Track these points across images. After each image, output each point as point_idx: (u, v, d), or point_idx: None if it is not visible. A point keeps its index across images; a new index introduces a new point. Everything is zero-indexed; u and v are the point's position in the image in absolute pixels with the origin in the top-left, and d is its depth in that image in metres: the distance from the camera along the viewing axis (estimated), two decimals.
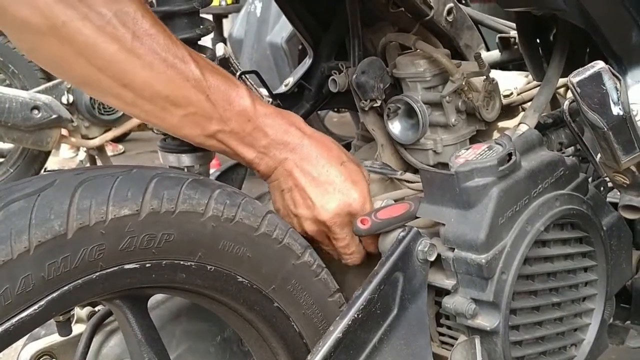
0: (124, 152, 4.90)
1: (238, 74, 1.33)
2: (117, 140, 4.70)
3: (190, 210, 0.89)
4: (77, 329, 1.09)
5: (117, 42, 0.86)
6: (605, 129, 0.95)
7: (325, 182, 1.04)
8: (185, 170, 1.12)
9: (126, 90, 0.90)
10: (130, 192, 0.84)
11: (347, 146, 1.44)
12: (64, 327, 1.06)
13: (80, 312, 1.11)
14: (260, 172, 1.05)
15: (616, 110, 0.94)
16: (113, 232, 0.82)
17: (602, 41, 1.07)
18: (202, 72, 0.93)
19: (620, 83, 0.94)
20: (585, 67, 0.94)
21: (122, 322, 0.95)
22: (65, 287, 0.80)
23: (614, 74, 0.93)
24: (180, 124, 0.96)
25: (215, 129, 0.97)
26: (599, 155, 1.03)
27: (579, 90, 0.94)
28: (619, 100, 0.93)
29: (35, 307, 0.78)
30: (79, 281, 0.81)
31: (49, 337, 1.08)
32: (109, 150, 4.80)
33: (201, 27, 1.10)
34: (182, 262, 0.89)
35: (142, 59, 0.88)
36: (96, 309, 1.11)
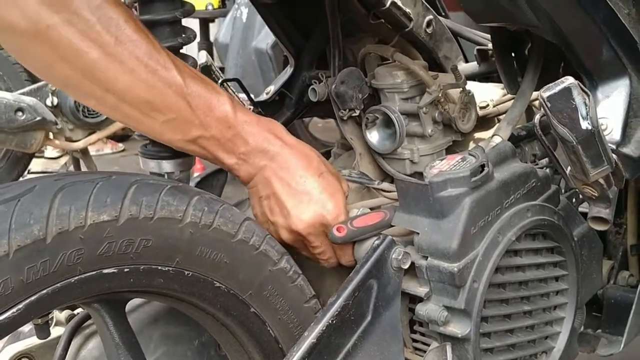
0: (123, 150, 4.87)
1: (220, 81, 1.35)
2: (119, 139, 4.68)
3: (168, 217, 0.90)
4: (56, 331, 1.10)
5: (100, 47, 0.88)
6: (574, 143, 0.97)
7: (302, 192, 1.06)
8: (166, 176, 1.14)
9: (108, 95, 0.92)
10: (109, 198, 0.86)
11: (327, 154, 1.46)
12: (42, 330, 1.07)
13: (59, 315, 1.12)
14: (240, 177, 1.07)
15: (585, 124, 0.96)
16: (92, 237, 0.84)
17: (574, 57, 1.10)
18: (183, 79, 0.95)
19: (589, 98, 0.96)
20: (556, 82, 0.96)
21: (99, 326, 0.97)
22: (44, 291, 0.81)
23: (583, 90, 0.96)
24: (161, 129, 0.98)
25: (195, 135, 0.99)
26: (569, 168, 1.06)
27: (549, 104, 0.96)
28: (587, 115, 0.96)
29: (14, 310, 0.79)
30: (58, 285, 0.82)
31: (28, 340, 1.09)
32: (109, 148, 4.78)
33: (183, 35, 1.12)
34: (160, 268, 0.91)
35: (124, 65, 0.90)
36: (75, 312, 1.12)
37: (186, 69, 0.97)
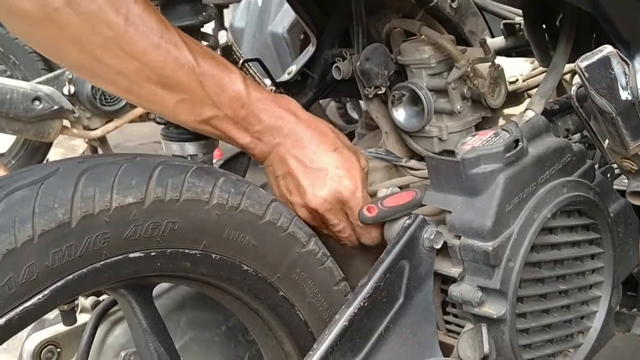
0: None
1: (241, 61, 1.32)
2: None
3: (194, 199, 0.88)
4: (82, 318, 1.08)
5: (110, 28, 0.85)
6: (614, 114, 0.94)
7: (317, 168, 1.03)
8: (189, 158, 1.12)
9: (120, 76, 0.90)
10: (134, 180, 0.84)
11: (351, 135, 1.43)
12: (69, 317, 1.05)
13: (85, 301, 1.10)
14: (256, 156, 1.05)
15: (625, 95, 0.93)
16: (117, 221, 0.81)
17: (610, 25, 1.06)
18: (195, 58, 0.93)
19: (628, 67, 0.92)
20: (593, 51, 0.93)
21: (127, 312, 0.95)
22: (70, 276, 0.79)
23: (622, 58, 0.92)
24: (174, 110, 0.95)
25: (209, 115, 0.97)
26: (606, 141, 1.03)
27: (587, 75, 0.93)
28: (627, 84, 0.92)
29: (40, 296, 0.77)
30: (84, 270, 0.80)
31: (54, 327, 1.08)
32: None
33: (203, 14, 1.09)
34: (186, 251, 0.89)
35: (135, 45, 0.88)
36: (100, 298, 1.11)
37: (197, 48, 0.94)
